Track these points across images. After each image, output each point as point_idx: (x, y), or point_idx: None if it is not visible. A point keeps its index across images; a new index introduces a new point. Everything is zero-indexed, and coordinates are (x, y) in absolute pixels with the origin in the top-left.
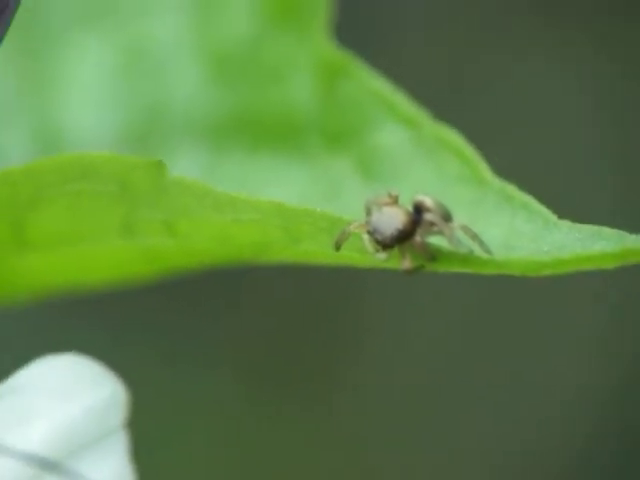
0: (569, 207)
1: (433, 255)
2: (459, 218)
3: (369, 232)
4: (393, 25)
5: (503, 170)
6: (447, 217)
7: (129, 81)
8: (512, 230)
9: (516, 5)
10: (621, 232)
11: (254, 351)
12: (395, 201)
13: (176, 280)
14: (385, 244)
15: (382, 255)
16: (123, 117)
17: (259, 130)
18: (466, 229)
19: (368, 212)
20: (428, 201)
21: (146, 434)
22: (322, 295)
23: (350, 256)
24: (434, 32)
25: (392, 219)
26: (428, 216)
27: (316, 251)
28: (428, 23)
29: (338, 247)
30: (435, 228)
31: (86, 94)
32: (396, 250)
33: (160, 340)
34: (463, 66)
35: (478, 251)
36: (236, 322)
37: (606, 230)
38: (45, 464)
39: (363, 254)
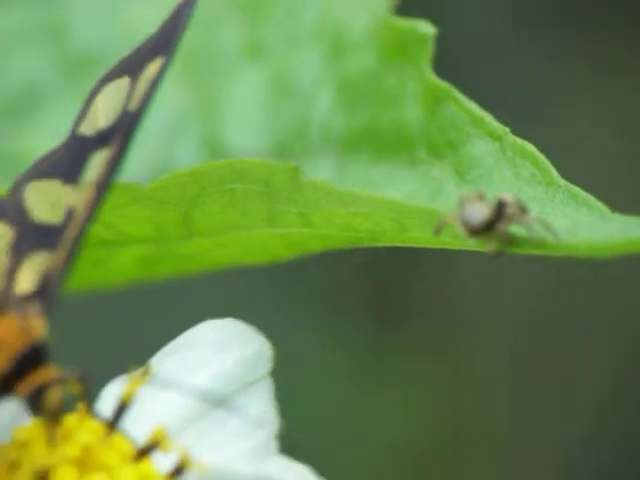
0: (619, 203)
1: (513, 241)
2: (533, 211)
3: (462, 222)
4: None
5: (568, 174)
6: (523, 210)
7: (277, 104)
8: (576, 221)
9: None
10: None
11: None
12: (482, 198)
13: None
14: (474, 232)
15: (472, 241)
16: (271, 133)
17: (378, 143)
18: (539, 220)
19: (461, 206)
20: (508, 198)
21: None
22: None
23: (447, 241)
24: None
25: (480, 212)
26: (508, 210)
27: (420, 237)
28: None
29: (438, 234)
30: (514, 219)
31: (243, 114)
32: (483, 237)
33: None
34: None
35: (549, 237)
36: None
37: None
38: (213, 400)
39: (457, 239)
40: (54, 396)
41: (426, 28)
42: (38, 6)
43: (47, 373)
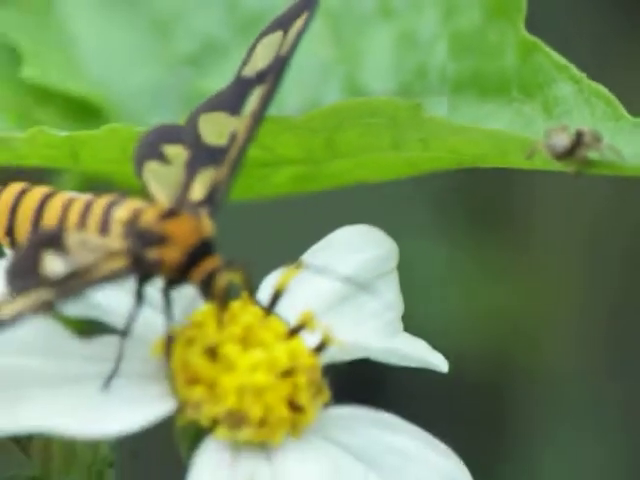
0: None
1: (589, 163)
2: (605, 140)
3: (549, 149)
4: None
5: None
6: (598, 139)
7: (403, 54)
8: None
9: None
10: None
11: None
12: (565, 129)
13: None
14: (558, 156)
15: (557, 164)
16: (398, 77)
17: (482, 86)
18: (610, 147)
19: (548, 136)
20: (585, 129)
21: None
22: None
23: (537, 163)
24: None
25: (563, 140)
26: (586, 138)
27: (516, 160)
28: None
29: (529, 157)
30: (590, 147)
31: (376, 62)
32: (566, 160)
33: None
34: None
35: (618, 160)
36: None
37: None
38: (355, 285)
39: (545, 162)
40: (221, 281)
41: None
42: None
43: (215, 263)
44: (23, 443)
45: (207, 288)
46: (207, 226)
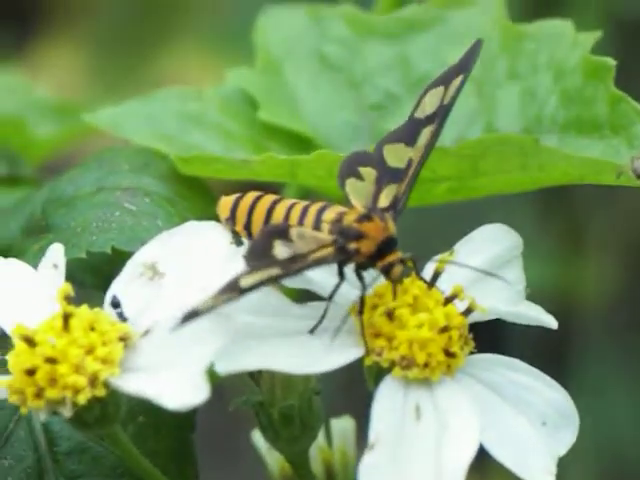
0: None
1: None
2: None
3: (633, 170)
4: None
5: None
6: None
7: (525, 105)
8: None
9: None
10: None
11: None
12: None
13: None
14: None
15: (638, 181)
16: (522, 121)
17: (583, 126)
18: None
19: (632, 161)
20: None
21: None
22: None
23: (623, 181)
24: None
25: None
26: None
27: (607, 179)
28: None
29: (618, 177)
30: None
31: (508, 111)
32: None
33: None
34: None
35: None
36: None
37: None
38: (492, 268)
39: (629, 180)
40: (398, 269)
41: (610, 61)
42: (393, 50)
43: (396, 255)
44: (255, 377)
45: (388, 271)
46: (391, 226)
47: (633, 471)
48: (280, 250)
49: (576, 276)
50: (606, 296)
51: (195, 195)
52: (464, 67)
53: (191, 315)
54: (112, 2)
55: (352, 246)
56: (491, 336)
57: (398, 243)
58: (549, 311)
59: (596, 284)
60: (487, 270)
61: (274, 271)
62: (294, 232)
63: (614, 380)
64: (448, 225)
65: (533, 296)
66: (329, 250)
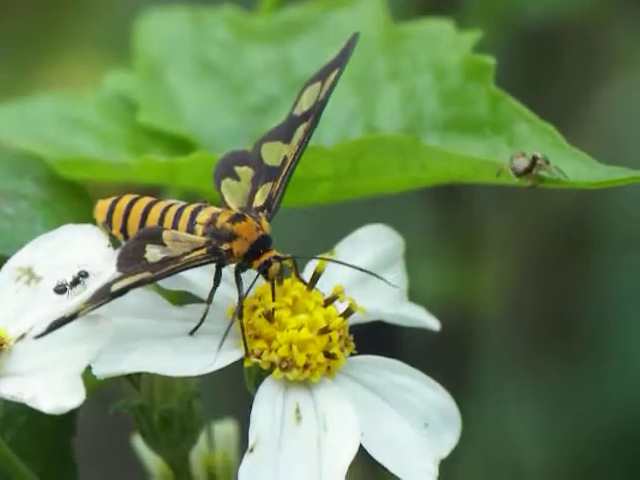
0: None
1: (541, 179)
2: (553, 163)
3: (512, 169)
4: None
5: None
6: (547, 162)
7: (405, 104)
8: (576, 168)
9: None
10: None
11: None
12: (523, 155)
13: None
14: (518, 174)
15: (517, 179)
16: (403, 120)
17: (463, 126)
18: (556, 167)
19: (511, 160)
20: (539, 154)
21: None
22: None
23: (503, 179)
24: None
25: (522, 163)
26: (539, 161)
27: (488, 177)
28: None
29: (498, 176)
30: (542, 167)
31: (387, 110)
32: (524, 177)
33: None
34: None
35: (562, 177)
36: None
37: (619, 169)
38: (369, 271)
39: (508, 179)
40: (275, 267)
41: (490, 61)
42: (274, 52)
43: (271, 254)
44: (134, 380)
45: (266, 271)
46: (265, 226)
47: None
48: (152, 253)
49: (474, 279)
50: (505, 297)
51: (74, 199)
52: (340, 62)
53: (58, 323)
54: (7, 6)
55: (225, 247)
56: (384, 341)
57: (276, 243)
58: (450, 316)
59: (496, 285)
60: (368, 271)
61: (145, 275)
62: (168, 235)
63: (513, 384)
64: (329, 226)
65: (431, 301)
66: (202, 252)
